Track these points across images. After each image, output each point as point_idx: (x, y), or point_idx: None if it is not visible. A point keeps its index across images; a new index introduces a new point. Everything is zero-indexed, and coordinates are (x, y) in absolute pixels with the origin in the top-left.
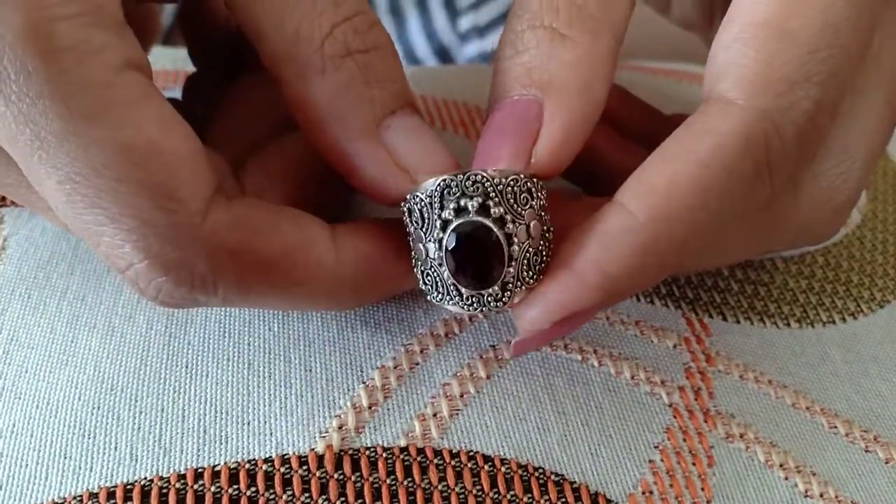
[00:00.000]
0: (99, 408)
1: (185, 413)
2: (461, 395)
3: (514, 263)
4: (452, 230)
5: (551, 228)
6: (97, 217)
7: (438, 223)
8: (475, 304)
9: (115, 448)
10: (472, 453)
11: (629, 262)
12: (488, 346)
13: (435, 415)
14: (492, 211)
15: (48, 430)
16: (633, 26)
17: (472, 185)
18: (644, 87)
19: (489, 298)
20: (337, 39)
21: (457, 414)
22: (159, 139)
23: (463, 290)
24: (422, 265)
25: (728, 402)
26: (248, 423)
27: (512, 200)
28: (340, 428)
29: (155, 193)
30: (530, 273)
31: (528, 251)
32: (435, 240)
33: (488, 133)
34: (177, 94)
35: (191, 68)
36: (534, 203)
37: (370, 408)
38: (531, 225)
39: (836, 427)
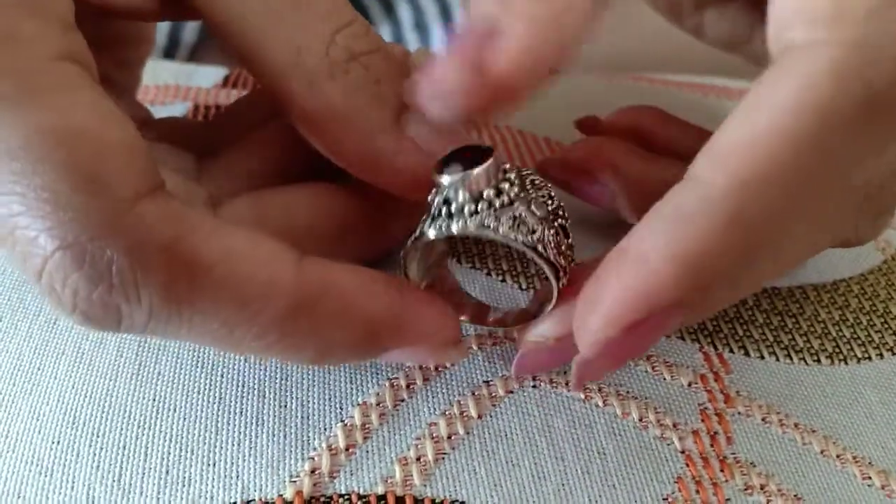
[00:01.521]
0: (59, 443)
1: (147, 451)
2: (449, 437)
3: (513, 186)
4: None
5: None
6: (11, 205)
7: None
8: (467, 217)
9: (72, 487)
10: (457, 503)
11: (711, 240)
12: (481, 382)
13: (418, 458)
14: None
15: (3, 466)
16: (660, 40)
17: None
18: (663, 102)
19: (482, 206)
20: (339, 45)
21: (443, 458)
22: (89, 125)
23: (454, 199)
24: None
25: (748, 448)
26: (214, 465)
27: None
28: (313, 472)
29: (76, 176)
30: (528, 212)
31: (532, 203)
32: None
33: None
34: (177, 108)
35: (194, 84)
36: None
37: (347, 450)
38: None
39: (869, 478)
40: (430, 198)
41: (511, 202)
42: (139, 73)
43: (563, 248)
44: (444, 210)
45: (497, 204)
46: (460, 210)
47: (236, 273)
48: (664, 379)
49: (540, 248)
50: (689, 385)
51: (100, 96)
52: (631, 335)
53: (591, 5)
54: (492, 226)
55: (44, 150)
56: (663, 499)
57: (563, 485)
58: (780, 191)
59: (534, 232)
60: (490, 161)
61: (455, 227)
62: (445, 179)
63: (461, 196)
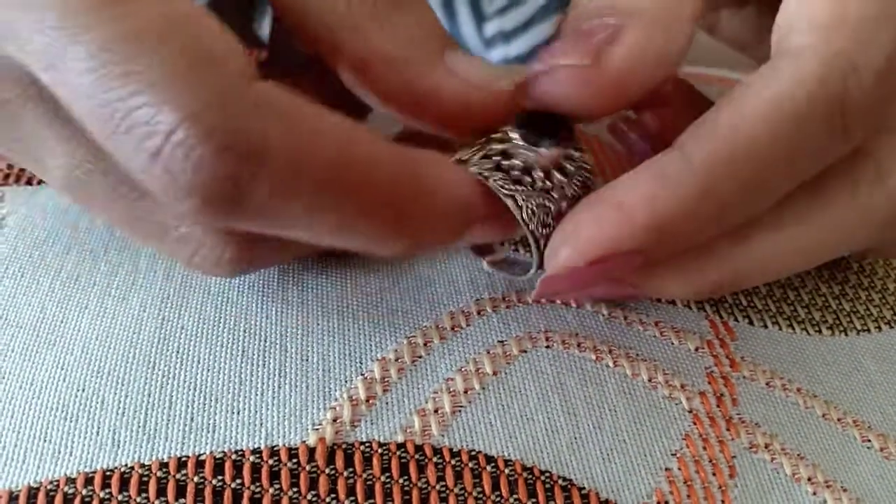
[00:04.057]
0: (83, 390)
1: (172, 399)
2: (465, 392)
3: (563, 175)
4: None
5: None
6: (130, 87)
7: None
8: (506, 179)
9: (98, 432)
10: (473, 453)
11: (683, 205)
12: (496, 342)
13: (436, 410)
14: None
15: (29, 412)
16: None
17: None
18: None
19: (525, 180)
20: None
21: (459, 410)
22: (196, 13)
23: (511, 156)
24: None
25: (753, 410)
26: (238, 413)
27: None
28: (335, 420)
29: (195, 54)
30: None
31: (565, 195)
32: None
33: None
34: None
35: None
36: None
37: (367, 401)
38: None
39: (869, 441)
40: (496, 134)
41: (550, 189)
42: None
43: None
44: (495, 157)
45: (538, 185)
46: (508, 170)
47: (348, 136)
48: (672, 343)
49: (542, 243)
50: (696, 350)
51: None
52: (593, 268)
53: (699, 10)
54: (519, 202)
55: (161, 33)
56: (672, 454)
57: (575, 438)
58: (750, 175)
59: (546, 226)
60: (559, 150)
61: (491, 181)
62: (516, 138)
63: (518, 160)
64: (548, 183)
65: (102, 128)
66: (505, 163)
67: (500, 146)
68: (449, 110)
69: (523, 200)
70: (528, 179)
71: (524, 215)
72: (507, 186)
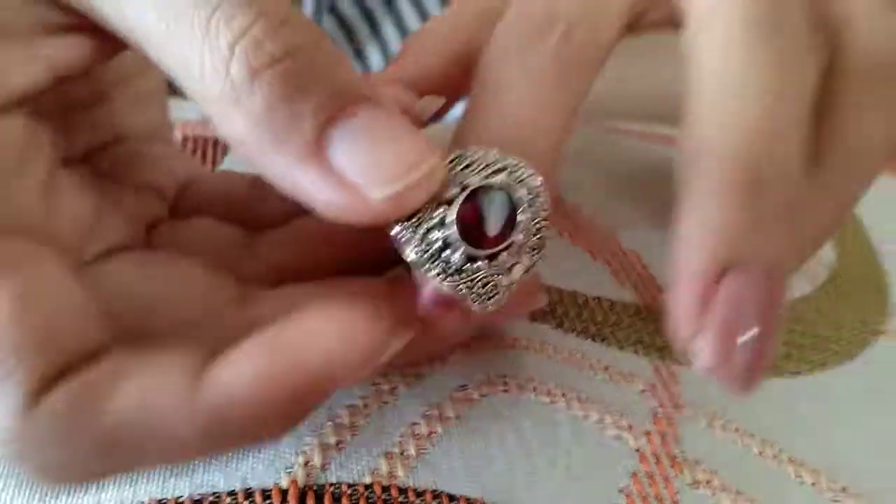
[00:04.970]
0: None
1: None
2: (429, 435)
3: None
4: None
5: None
6: None
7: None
8: (442, 271)
9: None
10: (437, 492)
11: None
12: (458, 386)
13: (402, 453)
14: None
15: None
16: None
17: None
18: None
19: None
20: (240, 61)
21: (424, 453)
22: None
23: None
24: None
25: (694, 448)
26: (215, 461)
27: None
28: (306, 464)
29: None
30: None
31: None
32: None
33: None
34: None
35: (182, 116)
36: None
37: (337, 445)
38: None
39: (801, 476)
40: (440, 207)
41: (498, 265)
42: (157, 109)
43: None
44: (436, 238)
45: (481, 272)
46: (447, 261)
47: (145, 420)
48: (620, 386)
49: (489, 306)
50: (642, 392)
51: (12, 277)
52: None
53: None
54: (462, 293)
55: None
56: (619, 490)
57: (531, 476)
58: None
59: (492, 296)
60: (512, 236)
61: (434, 273)
62: (452, 221)
63: (458, 252)
64: (493, 264)
65: None
66: (445, 252)
67: (439, 230)
68: (325, 213)
69: (467, 289)
70: (471, 266)
71: (470, 300)
72: (447, 282)
